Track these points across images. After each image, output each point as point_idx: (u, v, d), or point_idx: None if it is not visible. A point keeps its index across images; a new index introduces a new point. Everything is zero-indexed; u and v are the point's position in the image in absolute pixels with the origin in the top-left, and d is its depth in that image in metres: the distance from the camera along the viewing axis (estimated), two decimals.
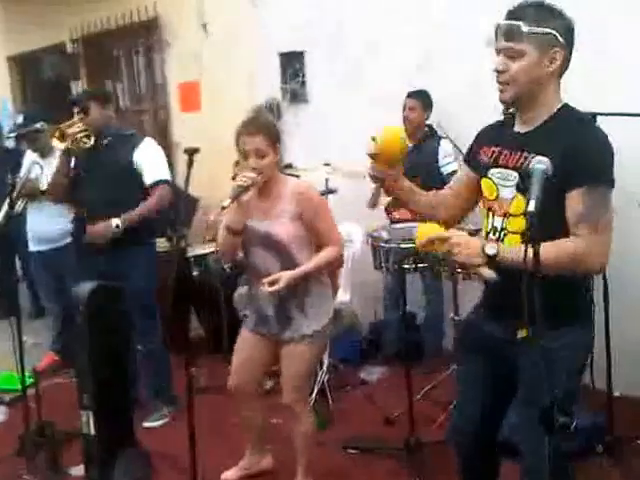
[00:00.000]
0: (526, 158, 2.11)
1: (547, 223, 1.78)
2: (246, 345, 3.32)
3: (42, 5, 7.86)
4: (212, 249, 5.14)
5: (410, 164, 4.52)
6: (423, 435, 3.60)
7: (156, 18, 6.79)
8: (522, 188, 2.10)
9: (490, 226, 2.27)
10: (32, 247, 5.07)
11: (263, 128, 3.09)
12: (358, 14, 5.22)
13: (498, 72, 2.13)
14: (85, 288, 3.51)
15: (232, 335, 3.74)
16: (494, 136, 2.32)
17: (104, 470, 3.40)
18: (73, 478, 3.65)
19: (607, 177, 2.07)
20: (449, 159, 4.68)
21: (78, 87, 7.84)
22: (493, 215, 2.26)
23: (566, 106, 2.17)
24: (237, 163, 4.95)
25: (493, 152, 2.27)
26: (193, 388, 3.00)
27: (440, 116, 4.78)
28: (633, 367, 3.73)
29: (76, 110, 4.10)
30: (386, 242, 4.04)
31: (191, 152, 3.10)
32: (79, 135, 4.06)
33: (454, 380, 4.02)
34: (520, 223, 2.12)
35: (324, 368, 4.42)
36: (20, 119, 5.38)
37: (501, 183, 2.21)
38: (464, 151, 2.58)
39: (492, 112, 2.51)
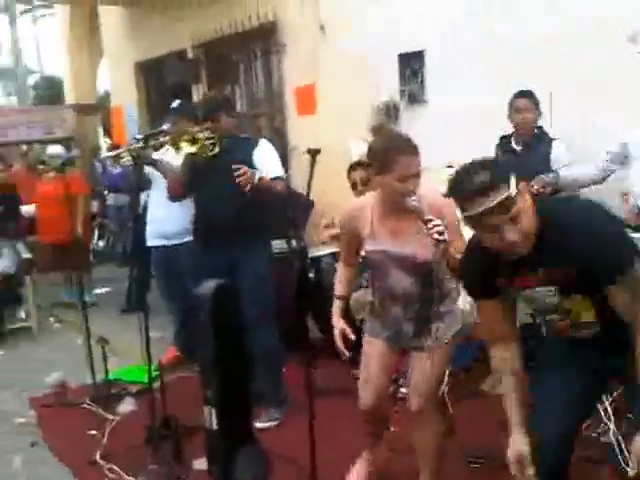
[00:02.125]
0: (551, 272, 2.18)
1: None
2: (377, 356, 3.18)
3: (166, 13, 8.18)
4: (327, 251, 5.18)
5: (518, 168, 4.46)
6: None
7: (274, 22, 6.89)
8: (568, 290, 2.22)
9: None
10: (151, 242, 5.11)
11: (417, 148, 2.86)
12: (478, 9, 5.14)
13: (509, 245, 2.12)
14: (208, 287, 3.61)
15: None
16: (496, 268, 2.29)
17: (226, 465, 3.48)
18: (196, 471, 3.74)
19: (629, 258, 2.10)
20: (563, 162, 4.43)
21: (199, 91, 8.12)
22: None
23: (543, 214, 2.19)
24: (353, 168, 5.02)
25: (513, 281, 2.30)
26: (312, 389, 3.05)
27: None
28: None
29: (207, 118, 4.22)
30: None
31: (314, 153, 3.13)
32: (207, 142, 4.17)
33: None
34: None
35: (445, 377, 4.34)
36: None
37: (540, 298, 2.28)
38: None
39: None
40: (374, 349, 3.19)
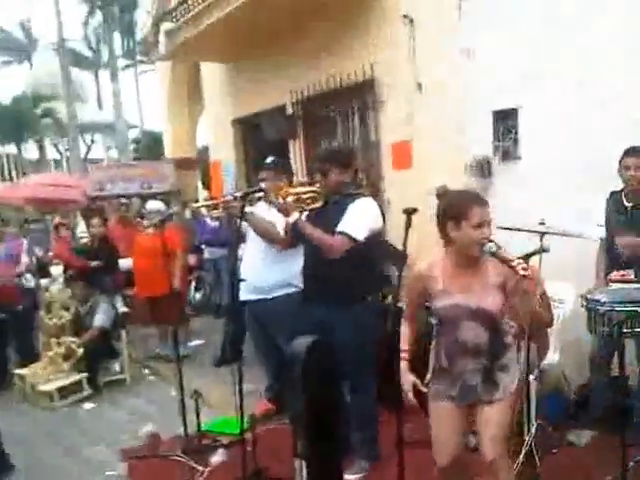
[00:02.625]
0: None
1: None
2: (445, 418, 3.26)
3: (266, 69, 8.47)
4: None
5: (627, 225, 4.43)
6: None
7: (372, 79, 7.00)
8: None
9: None
10: (245, 295, 5.06)
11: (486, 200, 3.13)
12: (577, 68, 5.12)
13: None
14: (303, 342, 3.69)
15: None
16: None
17: None
18: None
19: None
20: None
21: (295, 146, 8.32)
22: None
23: None
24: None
25: None
26: (402, 442, 3.07)
27: None
28: None
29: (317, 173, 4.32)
30: (603, 305, 3.88)
31: (410, 212, 3.21)
32: (304, 196, 4.27)
33: None
34: None
35: (532, 430, 4.30)
36: None
37: None
38: None
39: None
40: (442, 412, 3.27)
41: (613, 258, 4.63)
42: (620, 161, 4.58)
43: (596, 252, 4.80)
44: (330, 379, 3.67)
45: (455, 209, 3.07)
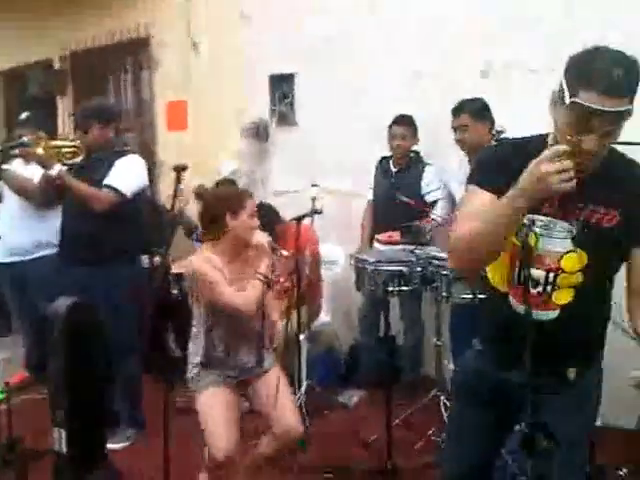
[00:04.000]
0: (581, 209, 1.93)
1: (602, 273, 1.98)
2: (221, 403, 3.16)
3: (34, 20, 7.85)
4: None
5: (392, 189, 4.63)
6: (400, 461, 3.58)
7: (147, 37, 6.80)
8: (582, 242, 1.93)
9: (521, 277, 1.93)
10: (1, 258, 4.78)
11: None
12: (349, 35, 5.23)
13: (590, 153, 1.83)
14: (62, 304, 3.44)
15: None
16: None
17: None
18: None
19: None
20: (432, 187, 4.66)
21: (64, 103, 7.84)
22: (525, 266, 1.87)
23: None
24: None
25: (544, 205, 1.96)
26: (168, 409, 2.97)
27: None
28: (612, 397, 3.69)
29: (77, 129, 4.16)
30: (370, 264, 3.98)
31: (179, 169, 3.15)
32: (64, 150, 4.08)
33: (433, 407, 4.04)
34: (574, 278, 1.96)
35: (302, 390, 4.36)
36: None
37: (544, 233, 1.93)
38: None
39: None
40: (218, 399, 3.17)
41: (379, 219, 4.79)
42: (389, 129, 4.75)
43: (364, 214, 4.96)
44: (92, 343, 3.45)
45: (234, 201, 3.25)
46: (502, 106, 4.17)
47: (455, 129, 4.19)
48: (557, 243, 1.94)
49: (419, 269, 3.85)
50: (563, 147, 1.71)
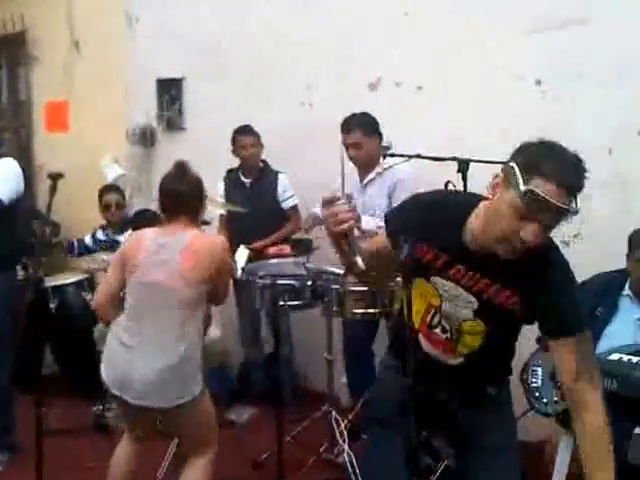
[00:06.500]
0: (488, 285, 1.97)
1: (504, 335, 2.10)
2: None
3: None
4: (71, 280, 4.82)
5: (250, 200, 4.53)
6: (292, 478, 3.53)
7: (23, 32, 6.51)
8: (482, 317, 2.02)
9: (434, 319, 2.12)
10: None
11: None
12: (239, 40, 5.11)
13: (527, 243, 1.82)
14: None
15: (90, 374, 3.40)
16: (438, 234, 2.00)
17: None
18: None
19: (585, 321, 2.00)
20: (288, 193, 4.69)
21: None
22: (435, 312, 2.11)
23: None
24: (106, 191, 5.00)
25: (438, 257, 2.02)
26: (42, 429, 2.80)
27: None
28: None
29: None
30: (260, 278, 3.85)
31: (54, 177, 3.03)
32: None
33: (325, 422, 3.96)
34: (475, 339, 2.08)
35: None
36: None
37: (448, 298, 2.05)
38: None
39: None
40: None
41: (235, 232, 4.64)
42: (234, 140, 4.68)
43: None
44: None
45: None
46: (390, 121, 4.13)
47: (347, 146, 4.02)
48: (458, 310, 2.06)
49: (309, 283, 3.76)
50: (338, 194, 1.82)
